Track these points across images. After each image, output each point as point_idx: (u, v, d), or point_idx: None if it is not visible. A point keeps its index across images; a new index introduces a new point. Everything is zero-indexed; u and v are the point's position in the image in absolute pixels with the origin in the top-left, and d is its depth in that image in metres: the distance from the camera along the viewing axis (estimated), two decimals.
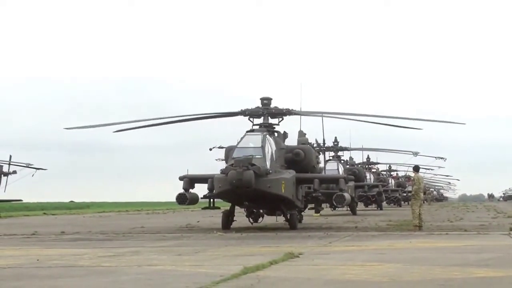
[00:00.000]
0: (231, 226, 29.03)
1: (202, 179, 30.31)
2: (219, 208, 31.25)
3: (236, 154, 27.53)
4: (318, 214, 45.05)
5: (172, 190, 32.23)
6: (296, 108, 31.57)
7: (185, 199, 30.14)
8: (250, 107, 30.65)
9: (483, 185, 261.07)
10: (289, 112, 30.99)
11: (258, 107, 30.61)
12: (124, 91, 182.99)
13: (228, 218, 29.19)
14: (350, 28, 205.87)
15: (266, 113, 30.42)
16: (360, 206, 64.49)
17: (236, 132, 30.91)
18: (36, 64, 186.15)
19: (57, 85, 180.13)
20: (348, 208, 52.27)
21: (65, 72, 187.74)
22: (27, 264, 15.18)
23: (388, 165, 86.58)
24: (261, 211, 30.11)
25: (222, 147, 32.58)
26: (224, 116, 31.51)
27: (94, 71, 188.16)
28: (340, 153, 56.65)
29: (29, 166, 54.97)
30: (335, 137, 55.87)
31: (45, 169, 56.95)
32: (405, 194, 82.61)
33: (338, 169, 50.78)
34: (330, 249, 18.62)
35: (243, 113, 30.55)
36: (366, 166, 73.00)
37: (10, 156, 54.49)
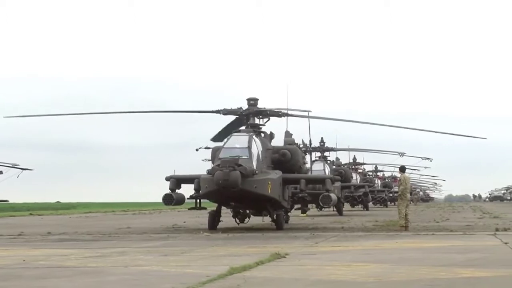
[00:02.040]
0: (218, 227, 29.02)
1: (188, 180, 30.30)
2: (205, 208, 31.23)
3: (222, 154, 27.51)
4: (305, 215, 45.08)
5: (158, 190, 32.22)
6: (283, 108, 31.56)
7: (171, 199, 30.14)
8: (228, 107, 30.60)
9: (469, 185, 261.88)
10: (272, 113, 30.92)
11: (239, 107, 30.55)
12: (115, 91, 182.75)
13: (214, 218, 29.18)
14: (338, 29, 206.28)
15: (244, 113, 30.31)
16: (347, 206, 64.55)
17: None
18: (24, 62, 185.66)
19: (44, 83, 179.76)
20: (335, 209, 52.33)
21: (52, 70, 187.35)
22: (13, 264, 15.13)
23: (374, 166, 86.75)
24: (248, 211, 30.13)
25: (209, 148, 32.56)
26: (202, 112, 31.42)
27: (82, 69, 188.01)
28: (326, 153, 56.69)
29: (15, 166, 54.68)
30: (322, 138, 55.89)
31: (31, 170, 56.74)
32: (391, 195, 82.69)
33: (324, 169, 50.81)
34: (316, 250, 18.64)
35: (218, 112, 30.45)
36: (353, 167, 73.06)
37: None
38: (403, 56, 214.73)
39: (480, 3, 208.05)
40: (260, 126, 30.72)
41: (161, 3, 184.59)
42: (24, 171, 55.15)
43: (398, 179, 32.01)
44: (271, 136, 31.35)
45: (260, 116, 30.88)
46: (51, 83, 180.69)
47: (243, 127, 30.21)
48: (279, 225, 29.04)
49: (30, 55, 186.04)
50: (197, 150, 34.44)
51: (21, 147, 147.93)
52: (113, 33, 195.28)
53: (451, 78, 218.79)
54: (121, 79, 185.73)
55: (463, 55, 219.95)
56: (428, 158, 62.44)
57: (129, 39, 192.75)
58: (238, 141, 28.42)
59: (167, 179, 30.50)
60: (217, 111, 30.44)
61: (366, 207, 66.38)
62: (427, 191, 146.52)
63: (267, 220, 31.00)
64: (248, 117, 30.43)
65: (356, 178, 68.42)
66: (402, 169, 30.69)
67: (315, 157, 54.67)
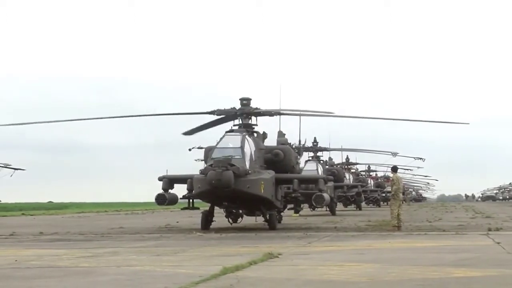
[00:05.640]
0: (211, 227, 29.02)
1: (181, 180, 30.28)
2: (198, 208, 31.23)
3: (215, 154, 27.49)
4: (297, 215, 45.08)
5: (151, 190, 32.21)
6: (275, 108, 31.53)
7: (164, 199, 30.14)
8: (222, 108, 30.49)
9: (461, 185, 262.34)
10: (265, 113, 30.87)
11: (233, 107, 30.45)
12: (104, 92, 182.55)
13: (207, 218, 29.16)
14: (333, 29, 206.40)
15: (238, 113, 30.25)
16: (339, 206, 64.58)
17: (215, 132, 30.93)
18: (14, 62, 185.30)
19: (35, 84, 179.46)
20: (327, 209, 52.36)
21: (44, 72, 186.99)
22: (5, 264, 15.10)
23: (367, 166, 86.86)
24: (241, 211, 30.10)
25: (202, 148, 32.54)
26: (196, 114, 31.38)
27: (72, 71, 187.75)
28: (319, 153, 56.69)
29: (7, 166, 54.64)
30: (315, 137, 55.91)
31: (23, 170, 56.68)
32: (384, 195, 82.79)
33: (317, 169, 50.81)
34: (309, 249, 18.65)
35: (213, 112, 30.36)
36: (345, 167, 73.11)
37: None
38: (399, 56, 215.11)
39: (479, 3, 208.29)
40: (253, 126, 30.69)
41: (152, 4, 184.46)
42: (16, 171, 55.12)
43: (391, 179, 31.99)
44: (264, 136, 31.33)
45: (251, 116, 30.78)
46: (39, 83, 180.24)
47: (236, 127, 30.17)
48: (272, 225, 29.04)
49: (15, 54, 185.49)
50: (190, 150, 34.49)
51: (13, 147, 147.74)
52: (106, 32, 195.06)
53: (447, 78, 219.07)
54: (111, 79, 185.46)
55: (460, 56, 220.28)
56: (420, 158, 62.70)
57: (120, 38, 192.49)
58: (231, 141, 28.41)
59: (160, 179, 30.48)
60: (212, 112, 30.34)
61: (359, 207, 66.44)
62: (420, 191, 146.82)
63: (260, 220, 31.00)
64: (242, 117, 30.37)
65: (349, 178, 68.44)
66: (394, 169, 30.70)
67: (308, 157, 54.72)
